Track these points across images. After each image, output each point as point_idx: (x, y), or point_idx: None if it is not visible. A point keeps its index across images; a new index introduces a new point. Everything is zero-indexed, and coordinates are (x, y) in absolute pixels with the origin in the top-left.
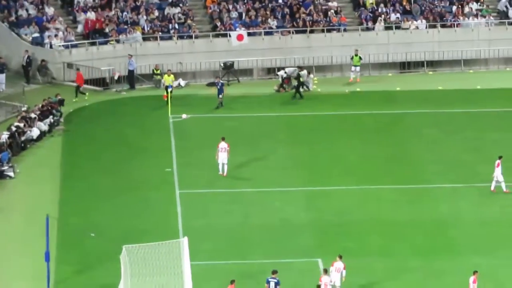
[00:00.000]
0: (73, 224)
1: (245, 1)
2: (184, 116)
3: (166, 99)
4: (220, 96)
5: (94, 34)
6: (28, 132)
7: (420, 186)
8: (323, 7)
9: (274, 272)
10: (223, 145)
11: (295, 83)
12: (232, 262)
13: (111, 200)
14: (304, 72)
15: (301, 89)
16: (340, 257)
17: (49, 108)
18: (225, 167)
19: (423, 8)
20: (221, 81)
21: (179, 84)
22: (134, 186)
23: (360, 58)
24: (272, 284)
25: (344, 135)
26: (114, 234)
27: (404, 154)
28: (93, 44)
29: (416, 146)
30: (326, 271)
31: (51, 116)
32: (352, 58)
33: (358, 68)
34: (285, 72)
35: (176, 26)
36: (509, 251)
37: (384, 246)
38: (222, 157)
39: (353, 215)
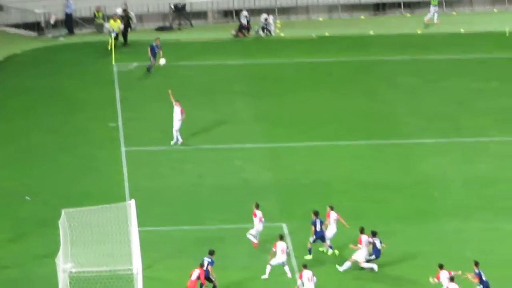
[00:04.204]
0: (6, 188)
1: None
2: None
3: (110, 47)
4: (153, 61)
5: None
6: None
7: (397, 142)
8: None
9: (211, 252)
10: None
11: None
12: (186, 227)
13: (48, 159)
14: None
15: (262, 33)
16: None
17: None
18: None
19: None
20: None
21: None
22: (74, 144)
23: None
24: (205, 263)
25: (311, 85)
26: (52, 197)
27: (379, 106)
28: None
29: (393, 97)
30: (281, 237)
31: None
32: None
33: (436, 8)
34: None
35: None
36: (496, 213)
37: (357, 209)
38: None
39: (322, 175)
